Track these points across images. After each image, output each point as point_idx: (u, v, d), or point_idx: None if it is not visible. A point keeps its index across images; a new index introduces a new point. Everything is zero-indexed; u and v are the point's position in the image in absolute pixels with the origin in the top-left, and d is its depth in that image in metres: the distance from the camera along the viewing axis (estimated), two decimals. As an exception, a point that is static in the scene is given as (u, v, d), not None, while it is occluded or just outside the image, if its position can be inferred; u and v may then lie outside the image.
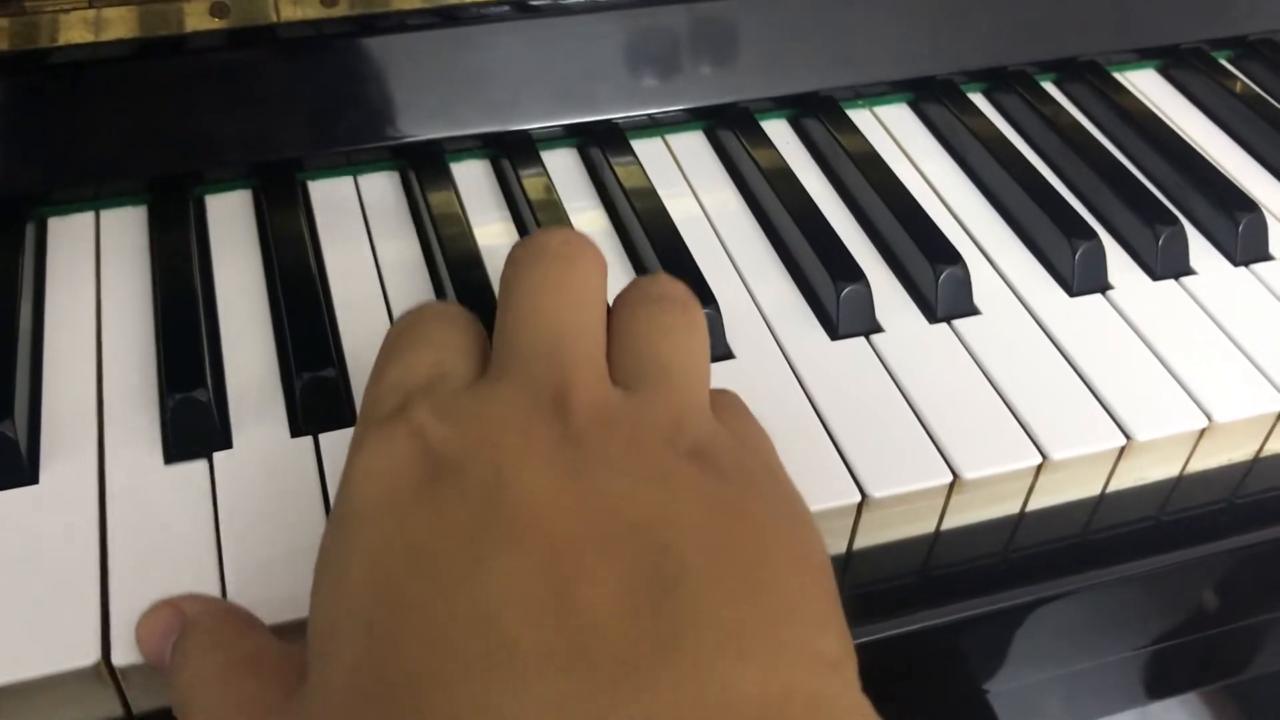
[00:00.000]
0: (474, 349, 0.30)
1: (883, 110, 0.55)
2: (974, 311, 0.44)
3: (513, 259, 0.31)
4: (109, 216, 0.46)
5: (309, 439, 0.37)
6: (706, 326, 0.31)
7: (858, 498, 0.36)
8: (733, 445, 0.28)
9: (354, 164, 0.49)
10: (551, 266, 0.30)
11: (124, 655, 0.31)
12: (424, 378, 0.29)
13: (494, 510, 0.24)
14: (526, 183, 0.48)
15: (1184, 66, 0.59)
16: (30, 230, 0.45)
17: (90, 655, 0.31)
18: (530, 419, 0.26)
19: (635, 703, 0.21)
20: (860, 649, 0.25)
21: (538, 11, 0.49)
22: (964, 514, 0.39)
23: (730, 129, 0.52)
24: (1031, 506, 0.40)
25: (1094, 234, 0.46)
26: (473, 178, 0.50)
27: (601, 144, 0.50)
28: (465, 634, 0.22)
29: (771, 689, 0.22)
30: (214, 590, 0.33)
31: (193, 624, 0.30)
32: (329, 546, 0.26)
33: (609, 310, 0.31)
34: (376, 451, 0.26)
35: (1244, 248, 0.47)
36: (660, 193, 0.48)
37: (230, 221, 0.47)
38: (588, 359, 0.29)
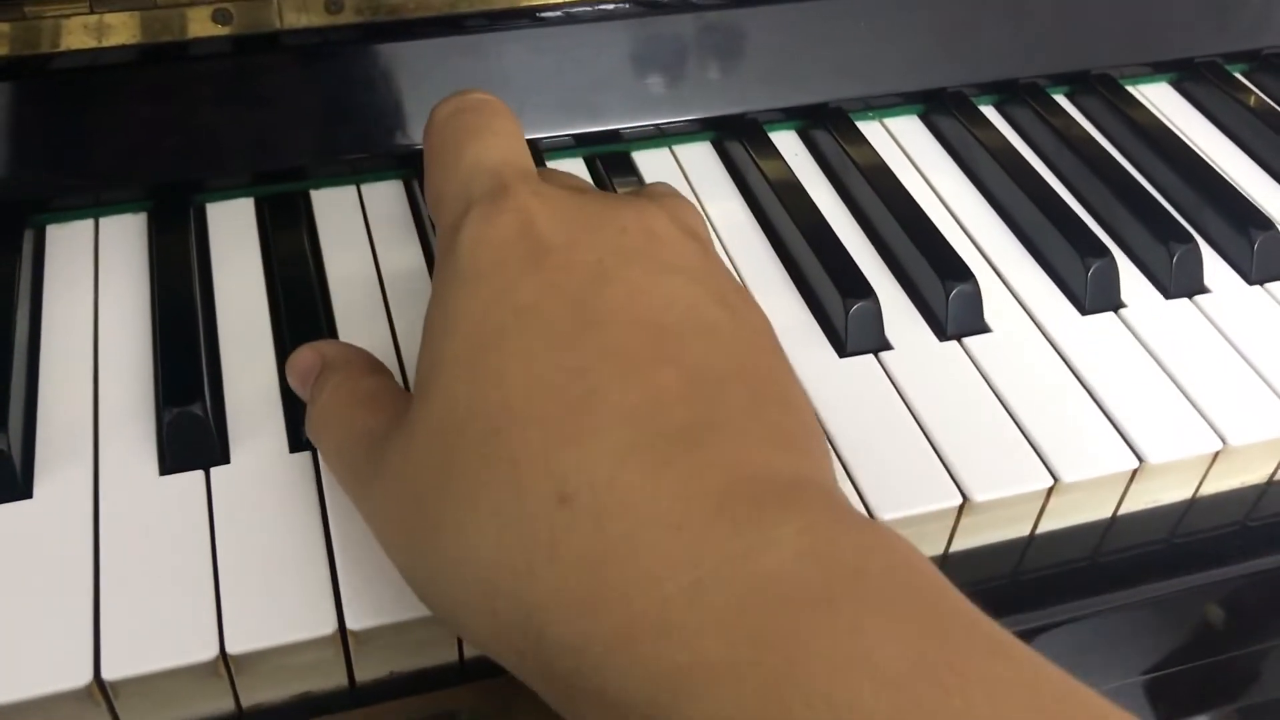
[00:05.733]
0: (523, 136, 0.34)
1: (893, 122, 0.54)
2: (985, 329, 0.43)
3: (437, 113, 0.35)
4: (108, 224, 0.46)
5: (308, 453, 0.37)
6: None
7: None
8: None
9: (358, 173, 0.49)
10: (496, 112, 0.34)
11: (115, 669, 0.31)
12: (510, 163, 0.32)
13: (598, 290, 0.28)
14: (531, 193, 0.47)
15: (1198, 80, 0.58)
16: (29, 237, 0.44)
17: (82, 676, 0.30)
18: (618, 219, 0.31)
19: (687, 457, 0.26)
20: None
21: (545, 20, 0.49)
22: (972, 536, 0.39)
23: (738, 140, 0.51)
24: (1041, 529, 0.39)
25: (1106, 251, 0.45)
26: (477, 187, 0.49)
27: (608, 154, 0.50)
28: (564, 382, 0.27)
29: (798, 474, 0.27)
30: (209, 604, 0.32)
31: (328, 364, 0.34)
32: (438, 303, 0.30)
33: None
34: (485, 224, 0.30)
35: (1259, 266, 0.47)
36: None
37: (231, 230, 0.46)
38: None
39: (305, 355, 0.36)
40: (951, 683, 0.22)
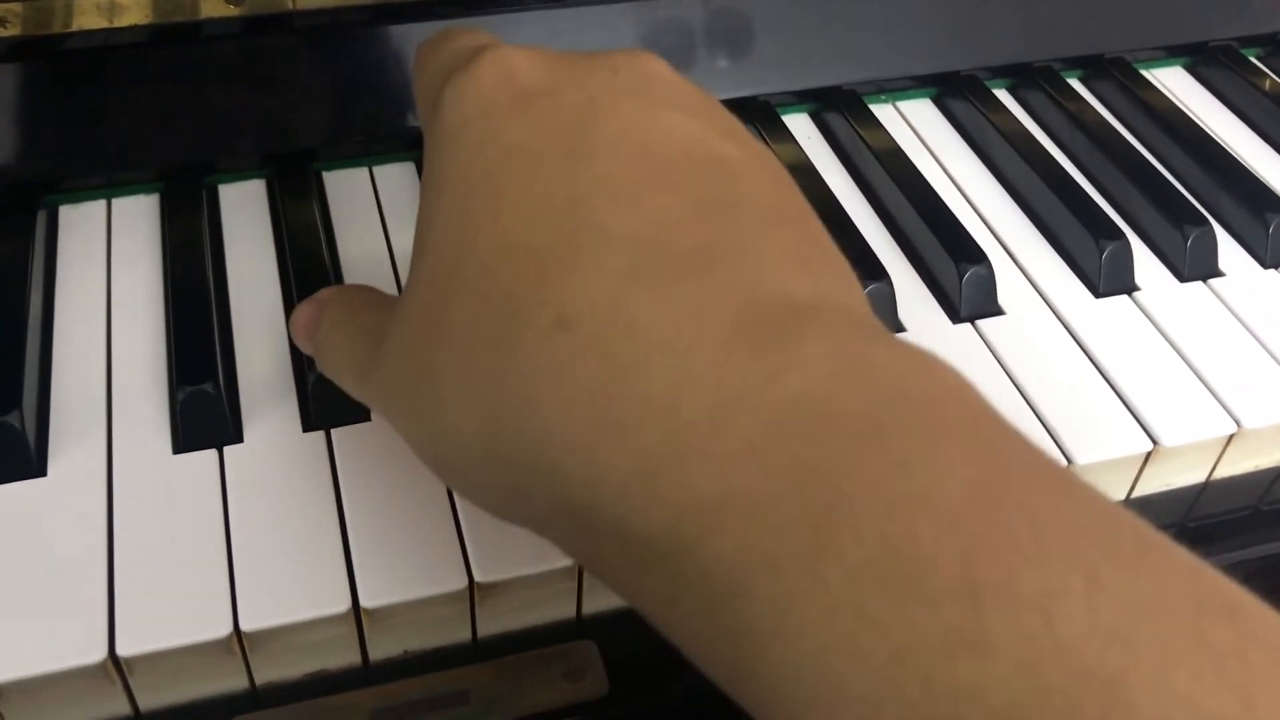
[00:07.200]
0: None
1: (906, 105, 0.54)
2: (998, 312, 0.43)
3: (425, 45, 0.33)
4: (121, 205, 0.46)
5: (321, 434, 0.37)
6: None
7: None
8: None
9: (369, 154, 0.49)
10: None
11: (129, 646, 0.31)
12: (490, 42, 0.31)
13: (590, 124, 0.27)
14: (544, 175, 0.47)
15: (1213, 64, 0.58)
16: (41, 218, 0.44)
17: (97, 653, 0.31)
18: (610, 61, 0.29)
19: (696, 280, 0.24)
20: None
21: (557, 2, 0.48)
22: (986, 518, 0.38)
23: (751, 123, 0.51)
24: (1055, 511, 0.39)
25: (1121, 234, 0.45)
26: (489, 169, 0.49)
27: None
28: (557, 213, 0.25)
29: (819, 293, 0.25)
30: (222, 582, 0.32)
31: (325, 301, 0.34)
32: (427, 169, 0.29)
33: None
34: (465, 80, 0.28)
35: (1274, 250, 0.46)
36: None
37: (244, 211, 0.46)
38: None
39: (304, 309, 0.35)
40: (1019, 522, 0.20)
